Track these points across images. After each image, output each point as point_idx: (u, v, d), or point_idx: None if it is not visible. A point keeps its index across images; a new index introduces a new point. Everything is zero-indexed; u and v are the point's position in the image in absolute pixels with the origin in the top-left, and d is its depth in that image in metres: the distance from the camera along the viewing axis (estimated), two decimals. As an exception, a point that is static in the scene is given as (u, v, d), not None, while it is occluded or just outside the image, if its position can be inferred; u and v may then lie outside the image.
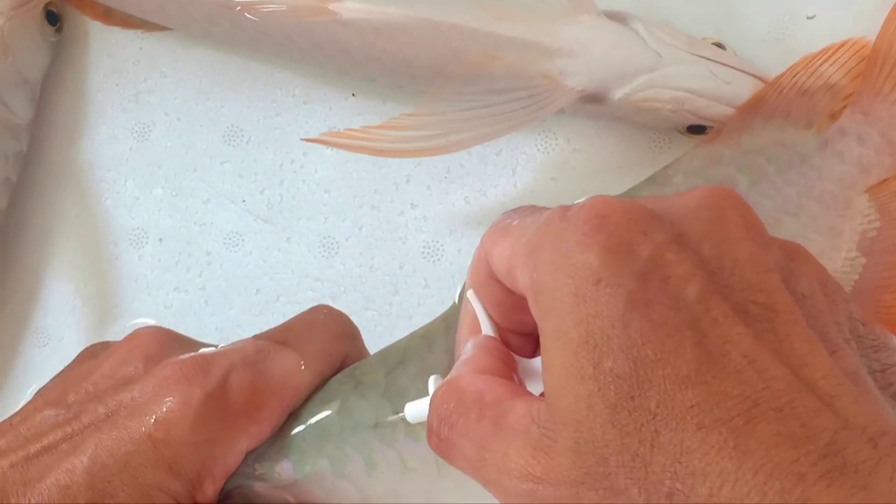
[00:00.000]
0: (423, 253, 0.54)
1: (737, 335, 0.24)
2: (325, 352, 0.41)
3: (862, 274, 0.43)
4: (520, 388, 0.29)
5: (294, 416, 0.40)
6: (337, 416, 0.39)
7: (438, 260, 0.54)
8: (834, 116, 0.43)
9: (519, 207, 0.32)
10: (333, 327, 0.43)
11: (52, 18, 0.57)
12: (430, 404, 0.30)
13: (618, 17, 0.48)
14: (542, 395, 0.27)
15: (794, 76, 0.45)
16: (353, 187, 0.55)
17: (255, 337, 0.41)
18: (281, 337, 0.41)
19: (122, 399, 0.37)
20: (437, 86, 0.47)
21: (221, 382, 0.37)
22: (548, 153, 0.54)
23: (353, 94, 0.56)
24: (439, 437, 0.29)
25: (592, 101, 0.48)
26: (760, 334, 0.25)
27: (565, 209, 0.28)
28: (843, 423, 0.24)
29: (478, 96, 0.47)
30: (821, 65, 0.45)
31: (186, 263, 0.56)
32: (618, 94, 0.47)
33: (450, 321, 0.40)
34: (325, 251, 0.55)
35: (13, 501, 0.34)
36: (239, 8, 0.50)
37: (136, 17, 0.57)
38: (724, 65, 0.46)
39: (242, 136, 0.57)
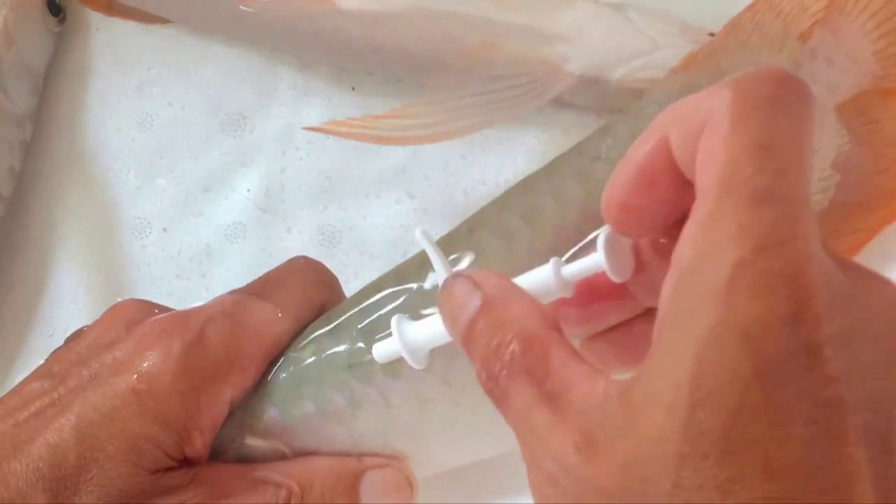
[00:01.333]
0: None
1: (858, 457, 0.22)
2: (303, 299, 0.42)
3: (836, 191, 0.43)
4: (576, 352, 0.27)
5: (274, 363, 0.40)
6: (314, 359, 0.40)
7: (438, 250, 0.55)
8: (803, 37, 0.43)
9: None
10: (311, 275, 0.43)
11: (55, 9, 0.58)
12: (486, 330, 0.28)
13: (614, 5, 0.48)
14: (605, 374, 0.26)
15: None
16: (353, 177, 0.56)
17: (233, 291, 0.42)
18: (259, 288, 0.41)
19: (105, 360, 0.38)
20: (438, 75, 0.48)
21: (200, 333, 0.38)
22: (548, 144, 0.54)
23: (353, 88, 0.57)
24: (496, 381, 0.27)
25: (592, 85, 0.48)
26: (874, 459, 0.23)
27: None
28: None
29: (478, 84, 0.47)
30: None
31: (188, 253, 0.56)
32: (616, 75, 0.47)
33: (424, 259, 0.40)
34: (325, 240, 0.56)
35: (4, 465, 0.35)
36: (240, -2, 0.50)
37: (138, 8, 0.57)
38: (719, 50, 0.47)
39: (244, 126, 0.58)
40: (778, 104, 0.25)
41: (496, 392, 0.27)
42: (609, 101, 0.50)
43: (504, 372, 0.27)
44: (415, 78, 0.52)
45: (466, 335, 0.29)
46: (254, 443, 0.40)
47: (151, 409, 0.36)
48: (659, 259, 0.31)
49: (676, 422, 0.22)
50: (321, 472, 0.39)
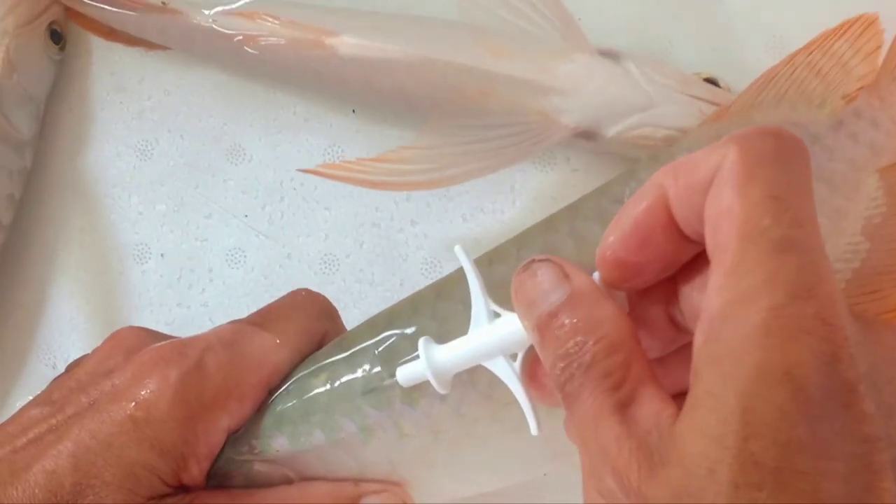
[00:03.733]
0: (422, 270, 0.55)
1: (893, 491, 0.24)
2: (303, 330, 0.42)
3: (864, 259, 0.42)
4: (653, 371, 0.28)
5: (285, 390, 0.41)
6: (326, 386, 0.40)
7: (438, 276, 0.55)
8: (848, 98, 0.43)
9: None
10: (311, 308, 0.44)
11: (56, 37, 0.58)
12: (570, 325, 0.29)
13: (611, 55, 0.48)
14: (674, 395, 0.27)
15: (809, 54, 0.44)
16: (353, 204, 0.56)
17: (233, 321, 0.42)
18: (259, 319, 0.42)
19: (104, 387, 0.38)
20: (433, 119, 0.48)
21: (198, 361, 0.38)
22: (547, 172, 0.55)
23: (354, 111, 0.57)
24: (571, 378, 0.28)
25: (586, 138, 0.48)
26: None
27: None
28: None
29: (473, 131, 0.47)
30: (835, 43, 0.44)
31: (189, 279, 0.57)
32: (610, 131, 0.47)
33: (440, 289, 0.41)
34: (325, 267, 0.56)
35: (1, 492, 0.35)
36: (239, 39, 0.50)
37: (139, 36, 0.57)
38: (713, 103, 0.47)
39: (244, 153, 0.58)
40: (782, 158, 0.27)
41: (568, 389, 0.28)
42: (605, 150, 0.50)
43: (581, 371, 0.28)
44: (414, 114, 0.52)
45: (544, 322, 0.29)
46: (262, 469, 0.40)
47: (148, 436, 0.37)
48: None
49: (727, 452, 0.24)
50: (318, 498, 0.40)
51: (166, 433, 0.37)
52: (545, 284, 0.30)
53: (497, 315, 0.33)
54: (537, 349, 0.30)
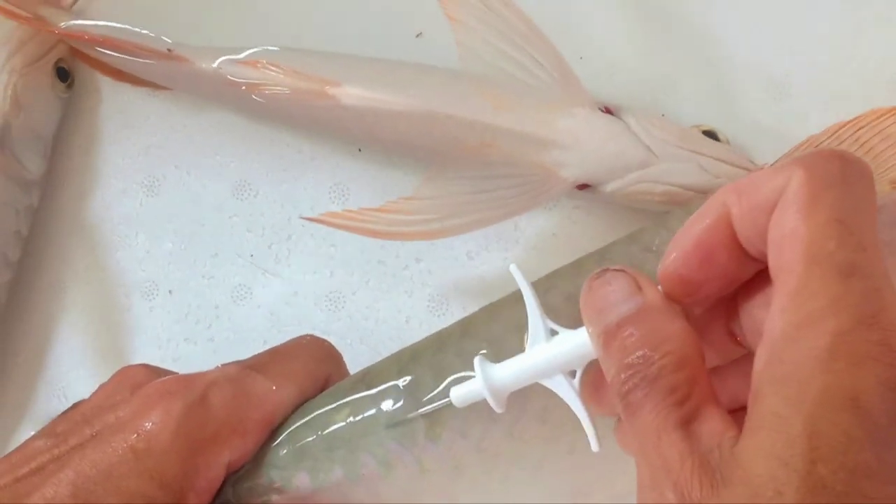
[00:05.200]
0: (428, 307, 0.56)
1: None
2: (307, 372, 0.43)
3: None
4: (714, 390, 0.29)
5: (306, 424, 0.41)
6: (348, 421, 0.40)
7: (443, 314, 0.55)
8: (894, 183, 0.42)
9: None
10: (315, 351, 0.44)
11: (63, 75, 0.58)
12: (638, 336, 0.29)
13: (612, 110, 0.48)
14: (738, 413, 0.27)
15: (857, 130, 0.44)
16: (358, 242, 0.56)
17: (238, 361, 0.43)
18: (265, 359, 0.43)
19: (108, 420, 0.39)
20: (434, 170, 0.48)
21: (202, 396, 0.39)
22: (549, 209, 0.55)
23: (360, 150, 0.57)
24: (635, 390, 0.28)
25: (586, 192, 0.49)
26: None
27: None
28: None
29: (474, 182, 0.48)
30: (889, 125, 0.43)
31: (196, 316, 0.58)
32: (610, 187, 0.47)
33: (466, 327, 0.41)
34: (331, 305, 0.56)
35: None
36: (244, 87, 0.51)
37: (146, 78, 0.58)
38: (713, 158, 0.47)
39: (250, 190, 0.58)
40: (847, 182, 0.27)
41: (630, 401, 0.28)
42: (605, 202, 0.50)
43: (647, 383, 0.28)
44: (416, 161, 0.53)
45: (611, 332, 0.30)
46: (280, 501, 0.41)
47: (149, 467, 0.37)
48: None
49: (795, 475, 0.24)
50: None
51: (167, 465, 0.37)
52: (617, 294, 0.30)
53: (555, 333, 0.33)
54: (600, 358, 0.30)
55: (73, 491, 0.36)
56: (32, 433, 0.49)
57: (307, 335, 0.45)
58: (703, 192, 0.47)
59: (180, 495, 0.38)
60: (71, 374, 0.58)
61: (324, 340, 0.45)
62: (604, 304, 0.30)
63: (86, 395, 0.56)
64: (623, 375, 0.29)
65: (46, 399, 0.58)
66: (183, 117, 0.59)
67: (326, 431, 0.40)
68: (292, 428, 0.41)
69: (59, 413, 0.43)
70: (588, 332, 0.31)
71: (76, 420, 0.40)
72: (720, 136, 0.50)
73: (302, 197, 0.58)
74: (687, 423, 0.27)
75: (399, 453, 0.39)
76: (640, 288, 0.30)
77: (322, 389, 0.43)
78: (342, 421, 0.40)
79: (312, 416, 0.41)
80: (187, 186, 0.59)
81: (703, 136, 0.49)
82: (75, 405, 0.43)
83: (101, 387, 0.43)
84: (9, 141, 0.55)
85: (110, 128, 0.60)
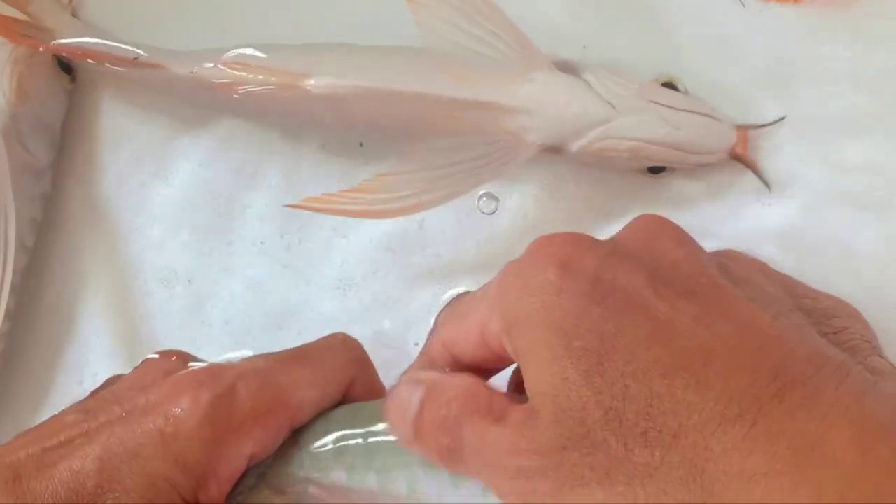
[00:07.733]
0: (435, 294, 0.57)
1: (684, 305, 0.30)
2: (332, 373, 0.43)
3: None
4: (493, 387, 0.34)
5: (353, 428, 0.41)
6: (389, 438, 0.40)
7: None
8: None
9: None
10: (344, 352, 0.45)
11: (65, 68, 0.59)
12: (433, 406, 0.34)
13: (570, 68, 0.49)
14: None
15: None
16: (368, 231, 0.58)
17: (266, 354, 0.44)
18: (292, 354, 0.44)
19: (138, 401, 0.40)
20: (406, 146, 0.50)
21: (230, 387, 0.40)
22: (558, 200, 0.56)
23: (361, 144, 0.58)
24: (451, 433, 0.34)
25: (553, 153, 0.50)
26: (706, 305, 0.30)
27: (513, 260, 0.34)
28: (788, 353, 0.29)
29: (446, 154, 0.49)
30: None
31: (212, 302, 0.59)
32: (575, 146, 0.48)
33: None
34: (342, 293, 0.58)
35: (24, 483, 0.37)
36: (219, 88, 0.53)
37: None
38: (673, 108, 0.48)
39: (263, 181, 0.59)
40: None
41: (451, 444, 0.34)
42: (575, 163, 0.51)
43: (455, 420, 0.33)
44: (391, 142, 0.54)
45: (417, 423, 0.35)
46: (317, 493, 0.41)
47: (174, 451, 0.38)
48: None
49: (565, 359, 0.30)
50: None
51: (191, 451, 0.38)
52: (405, 394, 0.36)
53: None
54: (418, 445, 0.35)
55: (99, 466, 0.37)
56: (53, 413, 0.51)
57: (339, 334, 0.46)
58: (664, 145, 0.48)
59: (202, 481, 0.39)
60: (89, 357, 0.59)
61: (355, 341, 0.46)
62: (400, 412, 0.36)
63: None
64: (438, 438, 0.34)
65: (66, 384, 0.59)
66: (195, 109, 0.60)
67: (370, 441, 0.41)
68: (341, 432, 0.42)
69: (92, 390, 0.45)
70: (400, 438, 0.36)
71: (107, 399, 0.41)
72: (679, 86, 0.50)
73: (312, 187, 0.58)
74: (500, 421, 0.32)
75: (425, 483, 0.39)
76: (419, 380, 0.36)
77: (345, 392, 0.44)
78: (384, 436, 0.41)
79: (363, 429, 0.42)
80: (199, 176, 0.60)
81: (662, 87, 0.50)
82: (106, 384, 0.45)
83: (135, 369, 0.44)
84: (17, 130, 0.56)
85: (119, 118, 0.61)
